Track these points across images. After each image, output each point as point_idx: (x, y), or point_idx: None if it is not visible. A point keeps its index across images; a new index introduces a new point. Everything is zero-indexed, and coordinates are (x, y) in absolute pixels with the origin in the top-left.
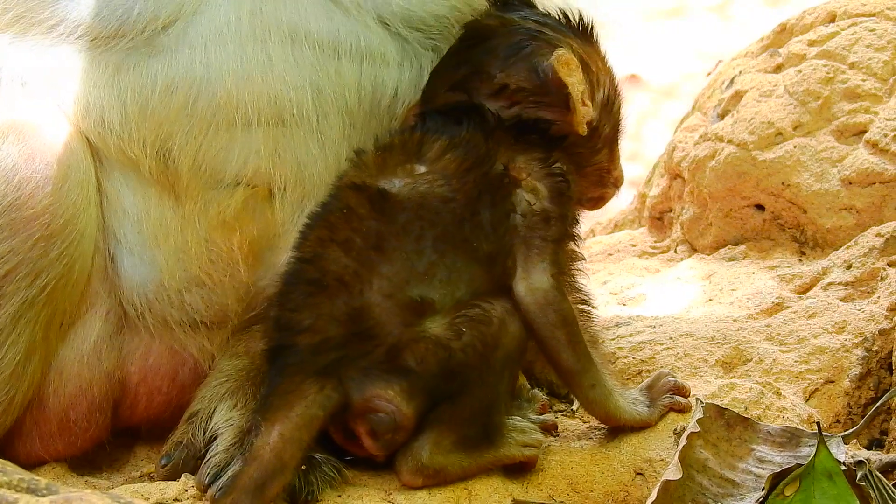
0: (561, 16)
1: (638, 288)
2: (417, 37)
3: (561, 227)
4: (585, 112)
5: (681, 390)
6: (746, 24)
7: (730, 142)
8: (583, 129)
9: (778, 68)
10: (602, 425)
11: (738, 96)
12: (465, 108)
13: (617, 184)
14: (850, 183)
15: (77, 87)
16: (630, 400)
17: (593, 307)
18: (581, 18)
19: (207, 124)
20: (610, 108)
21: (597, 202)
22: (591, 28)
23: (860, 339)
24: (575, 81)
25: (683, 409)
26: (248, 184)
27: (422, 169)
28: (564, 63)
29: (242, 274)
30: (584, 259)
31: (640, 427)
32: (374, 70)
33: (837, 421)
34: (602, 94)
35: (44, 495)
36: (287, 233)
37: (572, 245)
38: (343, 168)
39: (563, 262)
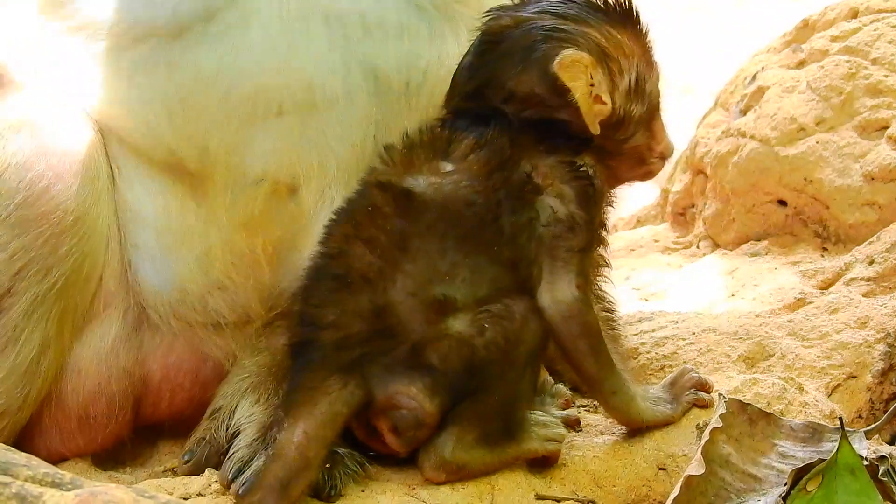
0: None
1: (660, 283)
2: (446, 12)
3: (587, 235)
4: (600, 111)
5: (704, 386)
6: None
7: (752, 137)
8: (595, 129)
9: (800, 64)
10: None
11: (760, 92)
12: (489, 109)
13: (664, 156)
14: (873, 178)
15: (110, 85)
16: (652, 400)
17: (617, 316)
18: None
19: (244, 115)
20: (641, 92)
21: (644, 176)
22: (624, 6)
23: (882, 334)
24: (580, 84)
25: (706, 405)
26: (273, 178)
27: (448, 167)
28: (567, 66)
29: (266, 275)
30: (609, 266)
31: (663, 426)
32: (403, 47)
33: (860, 416)
34: (628, 80)
35: (69, 489)
36: (309, 230)
37: (600, 250)
38: (368, 157)
39: (588, 271)
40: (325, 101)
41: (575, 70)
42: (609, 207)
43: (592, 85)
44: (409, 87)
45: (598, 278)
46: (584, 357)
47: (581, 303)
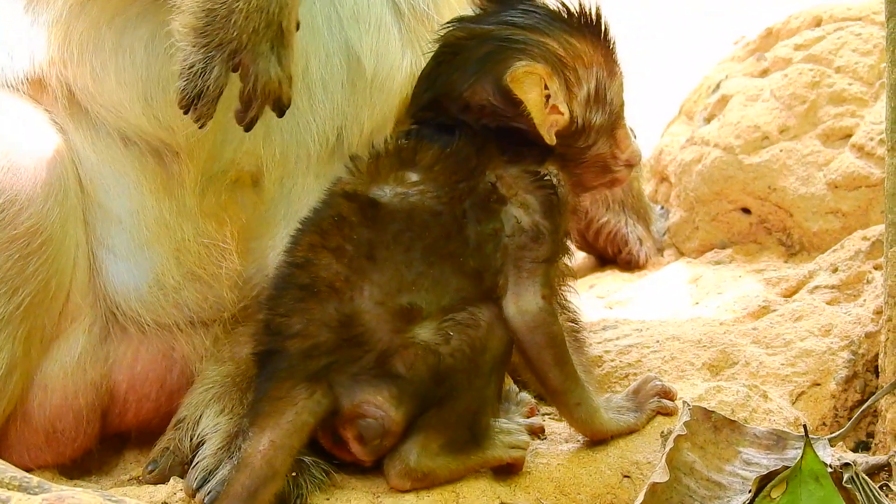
0: (552, 8)
1: (625, 291)
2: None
3: (552, 245)
4: (555, 121)
5: (668, 394)
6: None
7: (716, 146)
8: (551, 140)
9: (764, 73)
10: None
11: (724, 100)
12: (449, 119)
13: (631, 163)
14: (836, 186)
15: (108, 62)
16: (615, 409)
17: (582, 326)
18: (574, 8)
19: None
20: (601, 100)
21: (611, 184)
22: (586, 15)
23: (846, 342)
24: (532, 96)
25: (670, 413)
26: (239, 166)
27: (414, 177)
28: (519, 77)
29: (235, 262)
30: (574, 276)
31: (627, 434)
32: (377, 37)
33: (824, 423)
34: (586, 89)
35: (36, 493)
36: (269, 218)
37: (564, 260)
38: (330, 150)
39: (553, 281)
40: (299, 89)
41: (528, 82)
42: (574, 216)
43: (549, 95)
44: (376, 77)
45: (562, 288)
46: (549, 368)
47: (546, 313)
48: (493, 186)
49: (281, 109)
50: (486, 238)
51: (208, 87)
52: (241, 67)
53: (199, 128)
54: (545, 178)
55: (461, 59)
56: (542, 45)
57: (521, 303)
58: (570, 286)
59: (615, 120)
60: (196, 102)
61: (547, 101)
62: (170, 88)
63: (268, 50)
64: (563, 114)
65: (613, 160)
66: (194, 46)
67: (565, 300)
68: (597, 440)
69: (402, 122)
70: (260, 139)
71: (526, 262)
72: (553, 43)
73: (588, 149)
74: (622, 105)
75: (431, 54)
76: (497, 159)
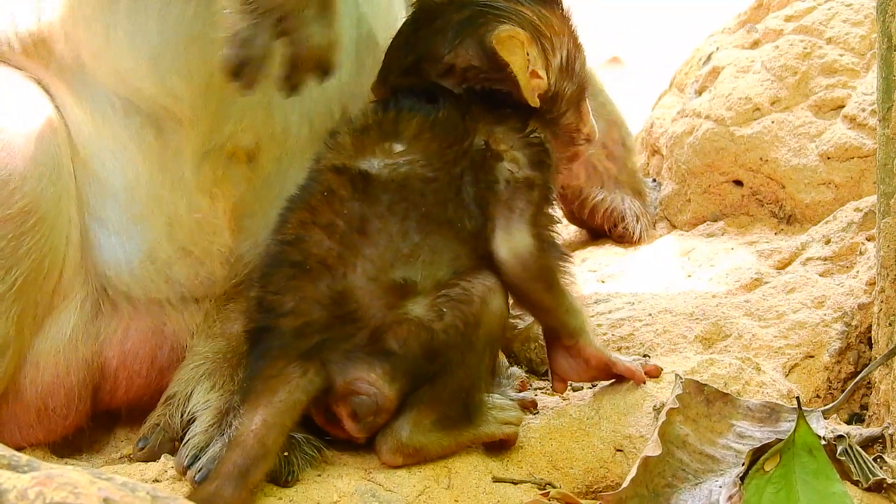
0: None
1: (617, 265)
2: None
3: (542, 192)
4: (537, 85)
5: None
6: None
7: (707, 118)
8: (535, 102)
9: (755, 44)
10: (581, 401)
11: (715, 72)
12: (429, 85)
13: (589, 139)
14: (829, 158)
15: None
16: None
17: (570, 260)
18: None
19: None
20: (571, 71)
21: (570, 160)
22: None
23: (839, 313)
24: (517, 59)
25: (655, 375)
26: (237, 141)
27: (399, 148)
28: (504, 41)
29: (227, 239)
30: (559, 222)
31: (604, 363)
32: (388, 15)
33: (817, 396)
34: (560, 58)
35: (25, 472)
36: (263, 195)
37: (549, 210)
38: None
39: (543, 223)
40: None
41: (511, 45)
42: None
43: (529, 60)
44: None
45: (550, 230)
46: (541, 294)
47: (538, 249)
48: (487, 144)
49: (326, 74)
50: (483, 194)
51: (256, 54)
52: (288, 33)
53: (245, 93)
54: (532, 134)
55: (441, 23)
56: (520, 12)
57: (513, 241)
58: (556, 231)
59: (581, 92)
60: (243, 69)
61: (528, 65)
62: (181, 53)
63: (315, 14)
64: (542, 78)
65: (578, 133)
66: (241, 14)
67: (553, 239)
68: (597, 360)
69: (375, 89)
70: (261, 113)
71: (519, 203)
72: (528, 12)
73: (559, 118)
74: (586, 79)
75: (407, 19)
76: (484, 119)
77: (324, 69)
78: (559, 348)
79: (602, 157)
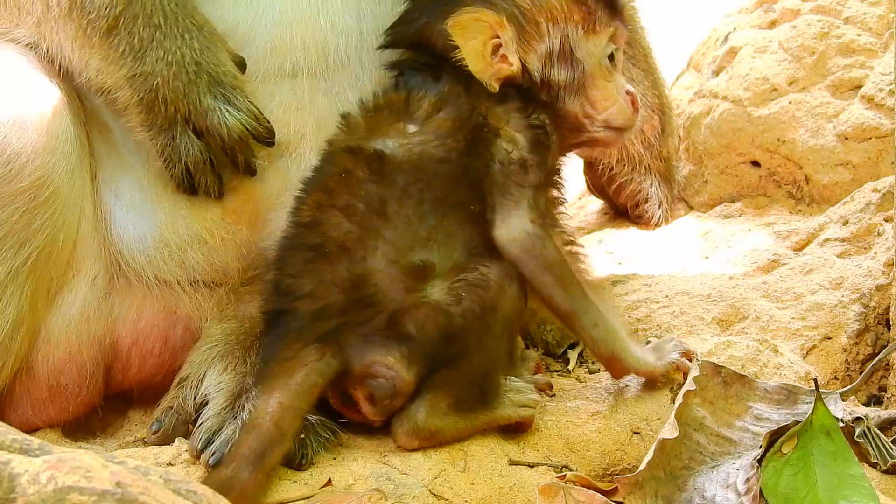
0: None
1: (634, 246)
2: None
3: (539, 174)
4: (499, 70)
5: (688, 354)
6: None
7: (725, 98)
8: (492, 87)
9: (772, 24)
10: (598, 383)
11: (732, 53)
12: (436, 62)
13: (610, 125)
14: (846, 138)
15: None
16: (635, 341)
17: (580, 245)
18: None
19: (256, 72)
20: (566, 57)
21: (591, 145)
22: None
23: (857, 294)
24: (473, 42)
25: (687, 372)
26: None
27: (413, 128)
28: (464, 23)
29: (244, 231)
30: (566, 202)
31: (645, 375)
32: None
33: (835, 377)
34: (549, 44)
35: (37, 456)
36: (290, 191)
37: (554, 191)
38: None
39: (542, 206)
40: (337, 64)
41: (473, 27)
42: (563, 158)
43: (501, 45)
44: None
45: (554, 213)
46: (553, 291)
47: (536, 237)
48: (484, 118)
49: (249, 167)
50: (482, 172)
51: (194, 159)
52: (201, 126)
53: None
54: (532, 116)
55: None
56: None
57: (510, 228)
58: (562, 212)
59: (588, 78)
60: (195, 180)
61: (497, 49)
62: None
63: (212, 95)
64: (511, 64)
65: (588, 120)
66: (147, 128)
67: (558, 223)
68: (616, 369)
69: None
70: (296, 109)
71: (512, 188)
72: None
73: (558, 102)
74: (597, 64)
75: None
76: (484, 95)
77: (247, 161)
78: None
79: (637, 143)
